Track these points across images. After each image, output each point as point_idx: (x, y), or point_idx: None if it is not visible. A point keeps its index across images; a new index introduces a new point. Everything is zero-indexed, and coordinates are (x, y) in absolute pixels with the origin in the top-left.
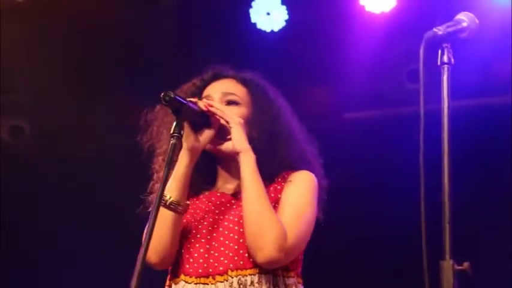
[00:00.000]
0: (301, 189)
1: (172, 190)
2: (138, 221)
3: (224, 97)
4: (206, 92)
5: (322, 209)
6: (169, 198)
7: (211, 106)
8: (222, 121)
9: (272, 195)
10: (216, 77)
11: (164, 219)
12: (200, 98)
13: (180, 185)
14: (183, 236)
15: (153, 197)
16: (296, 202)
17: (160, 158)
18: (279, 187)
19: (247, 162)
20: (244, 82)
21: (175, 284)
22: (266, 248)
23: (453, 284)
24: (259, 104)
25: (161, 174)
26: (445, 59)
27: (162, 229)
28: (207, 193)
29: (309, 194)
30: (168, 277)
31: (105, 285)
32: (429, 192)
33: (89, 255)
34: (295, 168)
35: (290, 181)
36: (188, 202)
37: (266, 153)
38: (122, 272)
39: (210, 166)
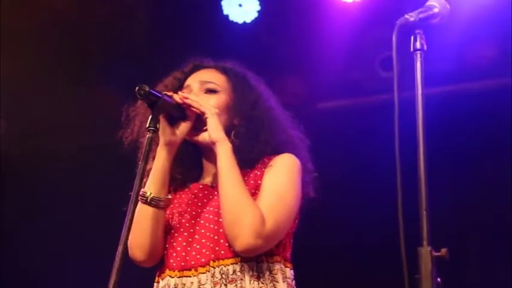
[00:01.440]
0: (281, 172)
1: (152, 186)
2: (120, 216)
3: (202, 86)
4: (186, 83)
5: (313, 190)
6: (150, 194)
7: (186, 98)
8: (198, 112)
9: (252, 182)
10: (196, 68)
11: (146, 215)
12: (181, 90)
13: (159, 180)
14: (166, 231)
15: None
16: (275, 186)
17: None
18: (258, 173)
19: (223, 152)
20: (223, 70)
21: (162, 279)
22: (242, 236)
23: (431, 270)
24: (239, 91)
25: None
26: (418, 45)
27: (145, 225)
28: (191, 186)
29: (290, 176)
30: (157, 274)
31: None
32: (406, 180)
33: (62, 253)
34: (278, 152)
35: (271, 165)
36: (170, 196)
37: (248, 139)
38: (99, 269)
39: (196, 158)
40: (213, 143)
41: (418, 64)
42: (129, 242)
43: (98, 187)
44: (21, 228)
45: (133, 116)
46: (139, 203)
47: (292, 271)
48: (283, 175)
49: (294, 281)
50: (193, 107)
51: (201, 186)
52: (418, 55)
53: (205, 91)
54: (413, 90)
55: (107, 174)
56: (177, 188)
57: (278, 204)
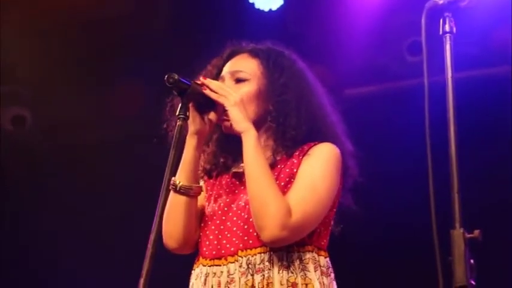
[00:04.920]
0: (317, 162)
1: (182, 174)
2: (140, 209)
3: (232, 76)
4: (222, 72)
5: (351, 178)
6: (179, 183)
7: (206, 89)
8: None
9: (287, 170)
10: (232, 54)
11: (176, 203)
12: (218, 79)
13: (189, 168)
14: (202, 218)
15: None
16: (309, 176)
17: None
18: (295, 161)
19: (248, 142)
20: (255, 54)
21: (197, 267)
22: (268, 227)
23: (464, 252)
24: (269, 75)
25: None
26: (447, 28)
27: (176, 214)
28: (231, 173)
29: (326, 167)
30: (194, 262)
31: (109, 278)
32: (436, 164)
33: (91, 246)
34: (318, 139)
35: (308, 154)
36: (201, 184)
37: (280, 124)
38: (126, 262)
39: (240, 144)
40: (239, 134)
41: (448, 47)
42: (162, 230)
43: (119, 180)
44: (45, 220)
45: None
46: (171, 191)
47: (327, 259)
48: (318, 165)
49: (330, 269)
50: (213, 99)
51: (238, 172)
52: (448, 38)
53: (235, 81)
54: (440, 76)
55: (126, 167)
56: (220, 173)
57: (309, 195)
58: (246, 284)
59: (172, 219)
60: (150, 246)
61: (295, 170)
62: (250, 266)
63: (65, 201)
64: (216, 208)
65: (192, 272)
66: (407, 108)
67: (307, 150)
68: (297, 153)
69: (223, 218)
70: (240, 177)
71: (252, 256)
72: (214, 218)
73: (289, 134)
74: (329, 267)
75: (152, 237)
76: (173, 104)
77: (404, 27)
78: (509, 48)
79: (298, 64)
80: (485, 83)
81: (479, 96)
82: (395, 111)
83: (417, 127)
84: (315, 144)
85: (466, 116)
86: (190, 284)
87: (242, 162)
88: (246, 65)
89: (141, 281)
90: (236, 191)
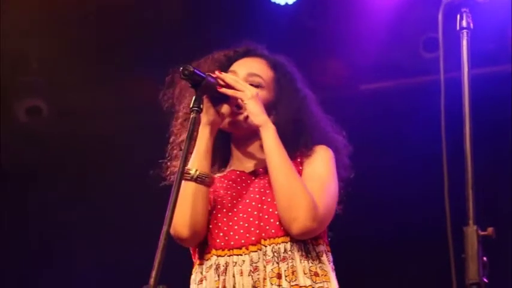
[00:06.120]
0: (322, 162)
1: (197, 163)
2: (155, 198)
3: (249, 77)
4: (234, 66)
5: (345, 185)
6: (196, 172)
7: (221, 86)
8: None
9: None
10: (248, 53)
11: (190, 192)
12: (226, 70)
13: (204, 158)
14: (208, 213)
15: (176, 170)
16: (319, 174)
17: (178, 122)
18: (298, 159)
19: (269, 135)
20: (273, 66)
21: (207, 260)
22: (300, 219)
23: (477, 249)
24: (284, 93)
25: (179, 140)
26: (464, 23)
27: (190, 203)
28: (222, 173)
29: (328, 166)
30: (197, 257)
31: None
32: (451, 160)
33: (106, 233)
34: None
35: (309, 155)
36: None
37: (286, 141)
38: (139, 250)
39: (224, 147)
40: (257, 127)
41: (465, 42)
42: (174, 220)
43: (134, 168)
44: (61, 209)
45: (178, 81)
46: (183, 181)
47: (331, 256)
48: (322, 165)
49: (333, 266)
50: (229, 94)
51: (238, 172)
52: (465, 33)
53: (250, 83)
54: (455, 72)
55: (143, 155)
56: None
57: (324, 190)
58: (273, 272)
59: (187, 207)
60: (162, 238)
61: (300, 168)
62: (275, 254)
63: (81, 191)
64: (224, 202)
65: (198, 266)
66: (422, 104)
67: (306, 152)
68: (298, 153)
69: (235, 210)
70: (241, 175)
71: (276, 245)
72: (224, 210)
73: (294, 149)
74: (333, 264)
75: (165, 229)
76: (173, 76)
77: (421, 23)
78: None
79: (307, 87)
80: (502, 79)
81: (496, 92)
82: (411, 107)
83: (432, 123)
84: (311, 147)
85: (482, 112)
86: (199, 276)
87: (229, 164)
88: (264, 73)
89: (153, 272)
90: (239, 187)
